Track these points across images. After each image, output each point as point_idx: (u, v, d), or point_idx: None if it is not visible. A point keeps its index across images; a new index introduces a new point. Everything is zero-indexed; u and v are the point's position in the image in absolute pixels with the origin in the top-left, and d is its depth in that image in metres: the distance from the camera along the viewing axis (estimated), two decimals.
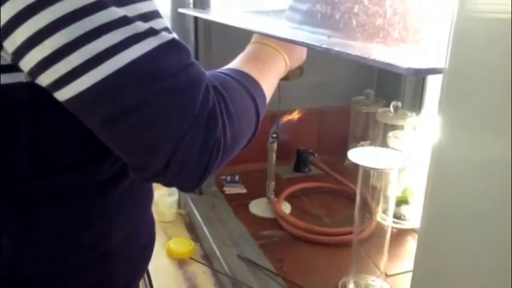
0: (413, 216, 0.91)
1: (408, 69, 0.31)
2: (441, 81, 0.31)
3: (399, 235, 0.87)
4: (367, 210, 0.72)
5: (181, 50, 0.42)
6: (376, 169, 0.67)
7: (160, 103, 0.40)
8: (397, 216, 0.92)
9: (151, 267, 0.71)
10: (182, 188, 0.49)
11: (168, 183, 0.47)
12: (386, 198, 0.75)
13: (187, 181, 0.46)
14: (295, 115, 0.99)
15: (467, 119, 0.30)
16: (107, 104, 0.39)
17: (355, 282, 0.71)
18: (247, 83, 0.52)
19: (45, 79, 0.39)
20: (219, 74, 0.51)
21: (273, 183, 0.97)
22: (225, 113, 0.45)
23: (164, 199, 1.00)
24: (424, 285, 0.36)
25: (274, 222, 0.92)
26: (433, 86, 1.13)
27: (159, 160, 0.42)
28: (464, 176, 0.30)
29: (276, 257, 0.80)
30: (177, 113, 0.41)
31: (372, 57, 0.35)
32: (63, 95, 0.39)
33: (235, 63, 0.56)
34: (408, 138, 0.94)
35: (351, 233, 0.84)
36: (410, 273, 0.77)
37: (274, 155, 0.94)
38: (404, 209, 0.93)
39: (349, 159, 1.21)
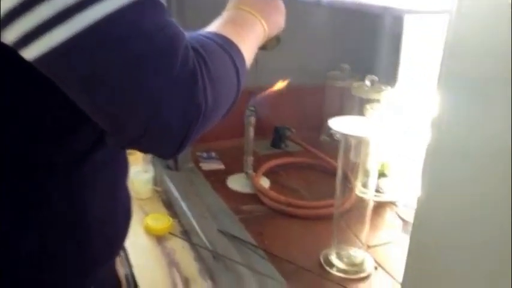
0: (391, 189, 0.92)
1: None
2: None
3: (378, 207, 0.88)
4: (348, 181, 0.72)
5: (157, 7, 0.39)
6: (358, 137, 0.67)
7: (137, 64, 0.38)
8: (367, 186, 0.93)
9: (128, 244, 0.70)
10: (161, 155, 0.47)
11: (146, 149, 0.45)
12: (366, 170, 0.75)
13: (166, 147, 0.44)
14: (274, 90, 0.98)
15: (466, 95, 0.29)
16: (80, 63, 0.37)
17: (337, 254, 0.71)
18: (227, 46, 0.49)
19: (11, 34, 0.35)
20: (198, 35, 0.49)
21: (251, 158, 0.96)
22: (205, 76, 0.43)
23: (139, 176, 0.98)
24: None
25: (253, 197, 0.91)
26: (407, 59, 1.14)
27: (137, 124, 0.40)
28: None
29: (256, 231, 0.79)
30: (155, 75, 0.39)
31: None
32: (31, 52, 0.36)
33: (212, 27, 0.53)
34: (385, 111, 0.94)
35: (331, 206, 0.84)
36: (391, 244, 0.78)
37: (252, 129, 0.93)
38: (381, 182, 0.94)
39: (325, 135, 1.22)
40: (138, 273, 0.75)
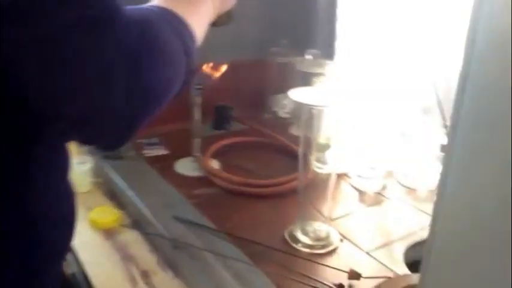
0: (341, 160, 0.92)
1: None
2: None
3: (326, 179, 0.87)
4: (310, 154, 0.70)
5: None
6: (319, 107, 0.65)
7: (71, 38, 0.34)
8: (322, 161, 0.93)
9: (75, 242, 0.63)
10: (105, 146, 0.43)
11: (88, 139, 0.42)
12: (321, 144, 0.74)
13: (110, 136, 0.40)
14: (214, 72, 0.93)
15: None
16: (13, 26, 0.33)
17: (302, 230, 0.70)
18: (173, 21, 0.46)
19: None
20: (140, 9, 0.45)
21: (198, 140, 0.91)
22: (149, 53, 0.39)
23: (77, 168, 0.89)
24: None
25: (204, 180, 0.87)
26: (343, 32, 1.14)
27: (76, 108, 0.36)
28: None
29: (214, 214, 0.76)
30: (92, 53, 0.35)
31: None
32: None
33: (157, 1, 0.49)
34: (331, 84, 0.94)
35: (287, 182, 0.83)
36: (350, 215, 0.78)
37: (198, 110, 0.88)
38: (332, 155, 0.94)
39: (268, 113, 1.20)
40: (90, 272, 0.69)
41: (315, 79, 0.95)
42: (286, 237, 0.70)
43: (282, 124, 1.13)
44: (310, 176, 0.75)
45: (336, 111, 0.79)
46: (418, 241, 0.70)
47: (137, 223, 0.80)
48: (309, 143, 0.69)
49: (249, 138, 1.02)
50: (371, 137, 0.91)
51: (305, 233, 0.69)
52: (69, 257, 0.73)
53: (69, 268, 0.74)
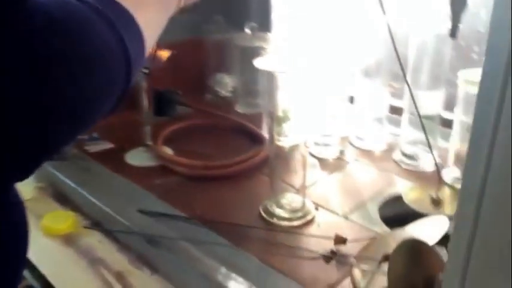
0: (298, 131, 0.91)
1: None
2: None
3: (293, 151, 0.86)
4: (276, 126, 0.69)
5: None
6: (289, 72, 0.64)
7: None
8: (282, 134, 0.92)
9: (32, 255, 0.57)
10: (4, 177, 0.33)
11: None
12: (280, 116, 0.73)
13: (11, 169, 0.32)
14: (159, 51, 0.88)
15: None
16: None
17: (277, 203, 0.69)
18: (109, 12, 0.35)
19: None
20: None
21: (149, 128, 0.86)
22: (62, 59, 0.31)
23: None
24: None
25: (161, 169, 0.82)
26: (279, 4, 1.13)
27: None
28: None
29: (181, 203, 0.72)
30: None
31: None
32: None
33: None
34: (275, 57, 0.92)
35: (248, 159, 0.81)
36: (317, 183, 0.78)
37: (145, 95, 0.83)
38: (286, 127, 0.93)
39: (210, 94, 1.16)
40: (57, 284, 0.63)
41: (256, 53, 0.93)
42: (262, 213, 0.68)
43: (226, 103, 1.11)
44: (281, 147, 0.74)
45: (292, 81, 0.78)
46: (389, 198, 0.72)
47: (98, 223, 0.74)
48: (274, 115, 0.68)
49: (199, 121, 0.98)
50: (321, 103, 0.92)
51: (280, 207, 0.68)
52: (25, 274, 0.66)
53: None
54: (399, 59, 0.63)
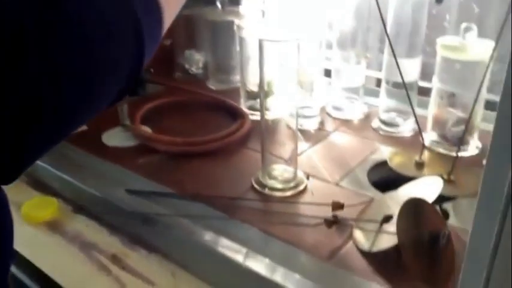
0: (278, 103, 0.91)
1: None
2: None
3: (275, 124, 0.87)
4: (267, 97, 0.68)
5: None
6: (280, 41, 0.63)
7: None
8: (258, 109, 0.92)
9: (19, 247, 0.55)
10: None
11: None
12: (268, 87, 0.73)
13: None
14: None
15: None
16: None
17: (269, 175, 0.69)
18: None
19: None
20: None
21: (126, 106, 0.83)
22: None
23: None
24: None
25: (142, 148, 0.80)
26: None
27: None
28: None
29: (168, 180, 0.71)
30: None
31: None
32: None
33: None
34: (254, 29, 0.91)
35: (232, 133, 0.81)
36: (302, 154, 0.78)
37: None
38: (270, 101, 0.93)
39: (179, 72, 1.13)
40: (52, 273, 0.60)
41: (226, 28, 0.92)
42: (255, 185, 0.68)
43: (197, 80, 1.09)
44: (270, 121, 0.73)
45: (270, 53, 0.77)
46: (375, 164, 0.73)
47: (81, 208, 0.71)
48: (264, 86, 0.67)
49: (176, 99, 0.96)
50: (298, 76, 0.92)
51: (273, 178, 0.69)
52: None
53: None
54: (385, 27, 0.64)
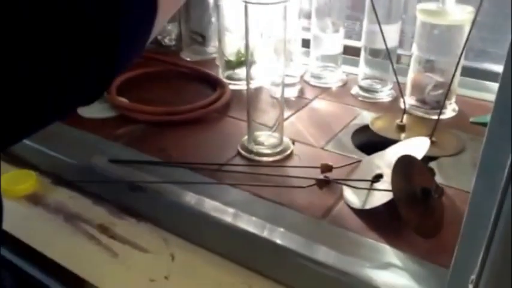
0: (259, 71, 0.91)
1: None
2: None
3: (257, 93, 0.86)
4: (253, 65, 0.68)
5: None
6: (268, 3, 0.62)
7: None
8: (236, 78, 0.91)
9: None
10: None
11: None
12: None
13: None
14: None
15: None
16: None
17: (255, 141, 0.69)
18: None
19: None
20: None
21: None
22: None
23: None
24: None
25: (121, 119, 0.78)
26: None
27: None
28: None
29: (151, 149, 0.69)
30: None
31: None
32: None
33: None
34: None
35: (214, 102, 0.80)
36: (286, 122, 0.78)
37: None
38: (241, 71, 0.92)
39: (150, 43, 1.10)
40: (41, 247, 0.58)
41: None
42: (242, 151, 0.68)
43: (170, 52, 1.06)
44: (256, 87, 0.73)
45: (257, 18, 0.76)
46: (357, 128, 0.75)
47: (63, 179, 0.69)
48: (249, 53, 0.66)
49: (151, 69, 0.93)
50: (275, 45, 0.92)
51: (259, 144, 0.68)
52: None
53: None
54: None
